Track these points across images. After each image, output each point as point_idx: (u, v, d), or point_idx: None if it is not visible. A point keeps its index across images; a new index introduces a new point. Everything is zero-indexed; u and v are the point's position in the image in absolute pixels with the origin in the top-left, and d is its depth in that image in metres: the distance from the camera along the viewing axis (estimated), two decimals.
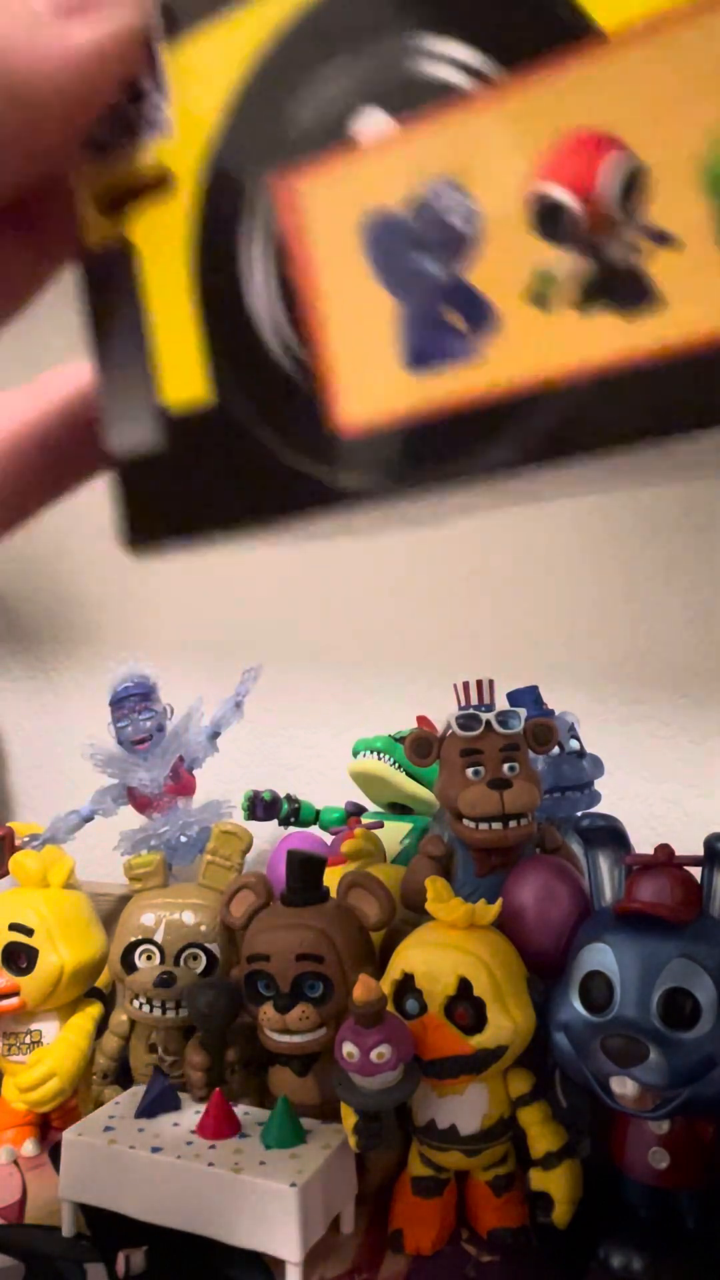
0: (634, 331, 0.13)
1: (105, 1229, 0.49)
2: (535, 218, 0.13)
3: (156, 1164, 0.46)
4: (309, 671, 0.85)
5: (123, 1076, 0.58)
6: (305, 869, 0.52)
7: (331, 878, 0.53)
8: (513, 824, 0.49)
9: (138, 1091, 0.53)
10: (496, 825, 0.49)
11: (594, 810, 0.56)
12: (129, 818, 0.66)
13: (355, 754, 0.69)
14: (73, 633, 0.96)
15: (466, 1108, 0.45)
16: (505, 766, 0.50)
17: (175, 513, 0.17)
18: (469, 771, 0.50)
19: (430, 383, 0.14)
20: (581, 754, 0.60)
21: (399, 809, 0.69)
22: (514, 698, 0.59)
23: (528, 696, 0.59)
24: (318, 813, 0.70)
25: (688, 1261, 0.42)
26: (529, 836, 0.51)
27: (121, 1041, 0.58)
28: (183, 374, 0.17)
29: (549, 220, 0.13)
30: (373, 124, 0.14)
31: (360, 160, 0.15)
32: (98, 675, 0.68)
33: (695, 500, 0.73)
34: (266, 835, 0.70)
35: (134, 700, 0.64)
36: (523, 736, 0.50)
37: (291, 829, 0.70)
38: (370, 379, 0.15)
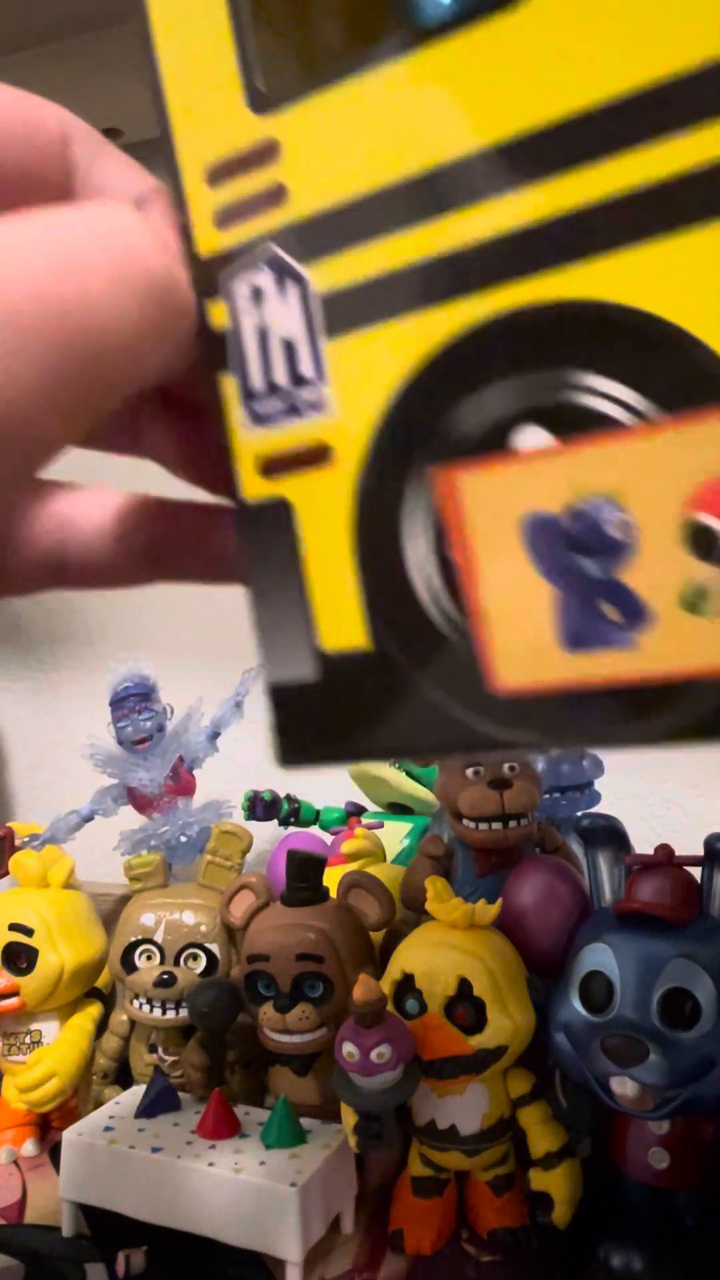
0: None
1: (105, 1229, 0.49)
2: (689, 539, 0.14)
3: (156, 1164, 0.46)
4: None
5: (123, 1076, 0.58)
6: (305, 869, 0.52)
7: (331, 878, 0.53)
8: (513, 824, 0.49)
9: (138, 1091, 0.53)
10: (496, 825, 0.49)
11: (594, 810, 0.56)
12: (129, 818, 0.66)
13: None
14: (73, 633, 0.96)
15: (466, 1108, 0.45)
16: (505, 766, 0.50)
17: (329, 738, 0.18)
18: (469, 771, 0.50)
19: (587, 661, 0.15)
20: (582, 754, 0.60)
21: (399, 809, 0.69)
22: None
23: None
24: (318, 813, 0.70)
25: (688, 1261, 0.42)
26: (529, 836, 0.51)
27: (121, 1041, 0.58)
28: (341, 621, 0.17)
29: (702, 543, 0.14)
30: (533, 438, 0.15)
31: (521, 467, 0.15)
32: (98, 675, 0.68)
33: None
34: (266, 835, 0.70)
35: (134, 700, 0.64)
36: None
37: (291, 829, 0.70)
38: (527, 652, 0.16)
